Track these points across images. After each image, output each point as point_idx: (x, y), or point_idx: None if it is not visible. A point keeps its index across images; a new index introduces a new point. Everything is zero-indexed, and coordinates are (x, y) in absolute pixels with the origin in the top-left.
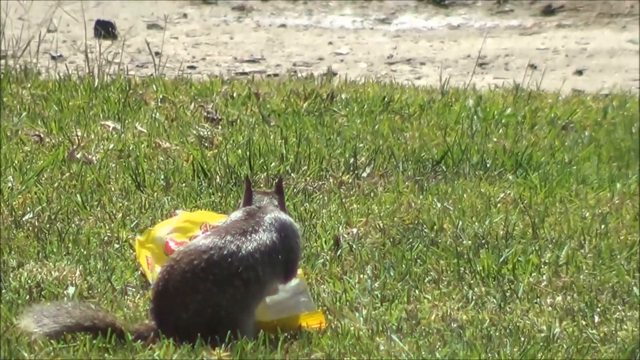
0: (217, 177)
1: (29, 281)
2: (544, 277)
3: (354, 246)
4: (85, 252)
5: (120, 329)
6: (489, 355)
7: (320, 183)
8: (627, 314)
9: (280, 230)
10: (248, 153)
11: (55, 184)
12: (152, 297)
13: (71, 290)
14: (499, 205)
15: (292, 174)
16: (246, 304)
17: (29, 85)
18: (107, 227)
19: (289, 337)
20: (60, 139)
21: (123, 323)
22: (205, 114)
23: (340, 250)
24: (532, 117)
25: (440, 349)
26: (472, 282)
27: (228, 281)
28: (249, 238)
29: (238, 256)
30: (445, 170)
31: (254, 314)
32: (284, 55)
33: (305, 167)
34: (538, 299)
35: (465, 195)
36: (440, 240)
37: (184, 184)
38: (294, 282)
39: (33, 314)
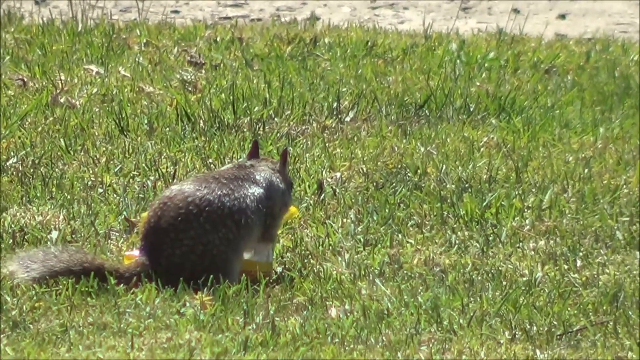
0: (201, 121)
1: (13, 225)
2: (527, 221)
3: (338, 190)
4: (68, 197)
5: (110, 271)
6: (471, 299)
7: (303, 127)
8: (610, 258)
9: (267, 189)
10: (231, 97)
11: (39, 129)
12: (144, 234)
13: (54, 234)
14: (482, 149)
15: (275, 119)
16: (236, 245)
17: (12, 29)
18: (90, 172)
19: (271, 281)
20: (43, 83)
21: (112, 264)
22: (189, 58)
23: (323, 195)
24: (515, 61)
25: (422, 293)
26: (455, 226)
27: (221, 220)
28: (241, 184)
29: (231, 197)
30: (428, 114)
31: (242, 258)
32: None
33: (289, 112)
34: (521, 243)
35: (448, 140)
36: (423, 185)
37: (167, 129)
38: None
39: (19, 259)
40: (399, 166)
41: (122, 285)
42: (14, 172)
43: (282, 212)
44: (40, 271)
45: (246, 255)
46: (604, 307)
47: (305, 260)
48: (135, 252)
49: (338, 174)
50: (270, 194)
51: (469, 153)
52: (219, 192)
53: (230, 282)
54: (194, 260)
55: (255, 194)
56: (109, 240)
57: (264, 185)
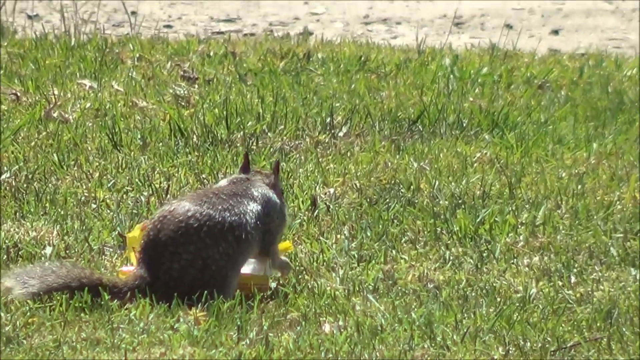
0: (194, 136)
1: (7, 241)
2: (521, 237)
3: (331, 206)
4: (62, 212)
5: (108, 286)
6: (465, 315)
7: (296, 142)
8: (604, 274)
9: (265, 206)
10: (225, 112)
11: (32, 143)
12: (142, 247)
13: (48, 250)
14: (475, 165)
15: (268, 133)
16: (235, 260)
17: (5, 43)
18: (84, 187)
19: (265, 297)
20: (37, 97)
21: (110, 279)
22: (182, 73)
23: (317, 211)
24: (509, 76)
25: (416, 309)
26: (449, 242)
27: (221, 235)
28: (240, 200)
29: (231, 213)
30: (421, 129)
31: (239, 274)
32: (260, 14)
33: (282, 127)
34: (515, 260)
35: (441, 155)
36: (417, 200)
37: (160, 144)
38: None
39: (16, 275)
40: (392, 182)
41: (116, 300)
42: (7, 187)
43: (280, 227)
44: (39, 287)
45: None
46: (598, 324)
47: (300, 276)
48: (130, 268)
49: (331, 190)
50: (268, 210)
51: (462, 169)
52: (219, 207)
53: (227, 297)
54: (193, 275)
55: (254, 210)
56: (103, 256)
57: (261, 201)
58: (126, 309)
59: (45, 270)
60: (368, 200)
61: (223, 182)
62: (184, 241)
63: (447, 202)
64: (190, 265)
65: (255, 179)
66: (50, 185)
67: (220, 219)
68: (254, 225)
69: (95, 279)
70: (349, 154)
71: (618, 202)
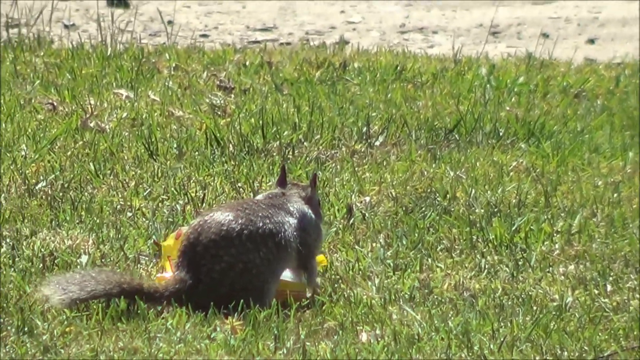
0: (230, 145)
1: (42, 249)
2: (557, 245)
3: (367, 215)
4: (98, 221)
5: (149, 292)
6: (502, 324)
7: (332, 152)
8: None
9: (301, 220)
10: (261, 122)
11: (69, 153)
12: (182, 250)
13: (84, 258)
14: (511, 173)
15: (304, 143)
16: (274, 267)
17: (42, 53)
18: (119, 196)
19: (301, 306)
20: (73, 107)
21: (151, 284)
22: (218, 82)
23: (353, 219)
24: (545, 85)
25: (452, 318)
26: (484, 250)
27: (262, 240)
28: (278, 212)
29: (272, 220)
30: (458, 138)
31: (278, 282)
32: (296, 24)
33: (318, 136)
34: (550, 268)
35: (477, 164)
36: (452, 209)
37: (196, 153)
38: None
39: (55, 282)
40: (428, 190)
41: (157, 306)
42: (44, 196)
43: (317, 242)
44: (78, 294)
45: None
46: (635, 332)
47: (336, 285)
48: (166, 275)
49: (367, 198)
50: (304, 225)
51: (498, 177)
52: (259, 214)
53: (265, 303)
54: (233, 278)
55: (291, 222)
56: (139, 265)
57: (297, 215)
58: (163, 318)
59: (84, 276)
60: (404, 208)
61: (259, 197)
62: (225, 244)
63: (482, 211)
64: (230, 268)
65: (292, 194)
66: (86, 194)
67: (260, 225)
68: (292, 236)
69: (136, 284)
70: (385, 162)
71: None
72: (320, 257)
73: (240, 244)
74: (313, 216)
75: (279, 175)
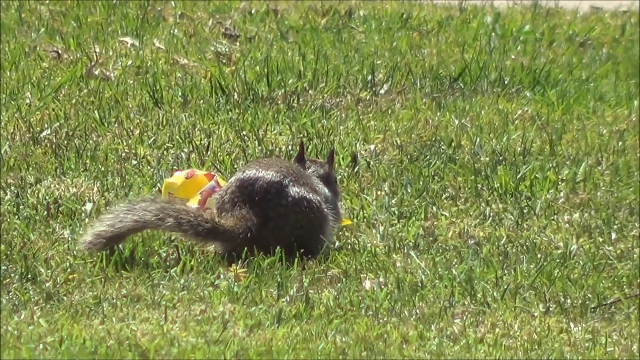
0: (235, 93)
1: (47, 197)
2: (562, 194)
3: (372, 163)
4: (102, 169)
5: (223, 231)
6: (506, 272)
7: (337, 100)
8: None
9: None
10: (266, 70)
11: (73, 101)
12: (238, 186)
13: (89, 206)
14: (516, 122)
15: (309, 91)
16: (326, 213)
17: (47, 1)
18: (124, 144)
19: (305, 253)
20: (78, 55)
21: (222, 222)
22: (224, 30)
23: (357, 167)
24: (550, 34)
25: (456, 266)
26: (489, 198)
27: (312, 188)
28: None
29: (312, 176)
30: (462, 87)
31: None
32: None
33: (323, 84)
34: (555, 216)
35: (482, 112)
36: (457, 157)
37: (201, 101)
38: None
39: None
40: (433, 139)
41: (156, 256)
42: (48, 144)
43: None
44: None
45: None
46: (638, 280)
47: (340, 233)
48: (178, 173)
49: (372, 147)
50: (311, 211)
51: (504, 126)
52: (302, 170)
53: (326, 241)
54: (298, 214)
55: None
56: None
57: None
58: (168, 265)
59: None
60: (409, 156)
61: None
62: (288, 182)
63: (487, 159)
64: (296, 204)
65: (309, 173)
66: (90, 142)
67: (307, 177)
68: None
69: (207, 220)
70: (389, 111)
71: None
72: (346, 220)
73: (299, 186)
74: (319, 201)
75: (298, 152)
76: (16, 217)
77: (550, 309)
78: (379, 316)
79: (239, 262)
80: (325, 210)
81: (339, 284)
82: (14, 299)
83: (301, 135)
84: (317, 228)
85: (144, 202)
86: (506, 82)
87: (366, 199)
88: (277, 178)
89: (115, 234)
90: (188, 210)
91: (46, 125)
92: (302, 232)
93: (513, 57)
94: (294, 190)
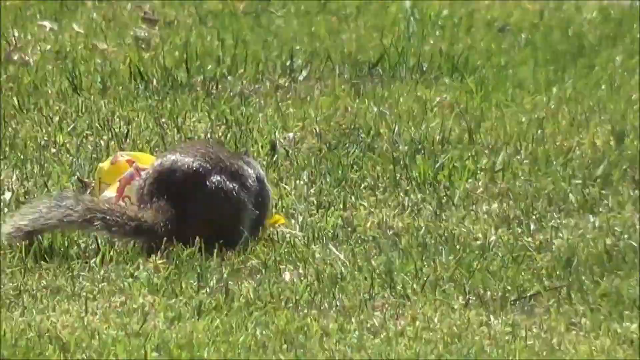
0: (154, 80)
1: None
2: (480, 183)
3: (290, 151)
4: (22, 157)
5: (146, 226)
6: (425, 263)
7: (256, 87)
8: (563, 221)
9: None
10: (185, 55)
11: None
12: (155, 177)
13: (8, 195)
14: (435, 109)
15: (228, 77)
16: (246, 203)
17: None
18: (44, 131)
19: (224, 244)
20: None
21: (144, 215)
22: (143, 14)
23: (276, 156)
24: (469, 19)
25: (376, 257)
26: (408, 188)
27: (235, 178)
28: (239, 158)
29: (238, 164)
30: (381, 73)
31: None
32: None
33: (242, 70)
34: (474, 206)
35: (401, 99)
36: (376, 146)
37: (120, 87)
38: None
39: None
40: (352, 127)
41: (76, 247)
42: None
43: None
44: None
45: None
46: (558, 272)
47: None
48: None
49: (291, 135)
50: (263, 189)
51: (422, 113)
52: (225, 154)
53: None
54: (215, 205)
55: (253, 176)
56: None
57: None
58: (87, 256)
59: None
60: (328, 145)
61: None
62: (205, 172)
63: (406, 148)
64: (212, 194)
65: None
66: (9, 129)
67: (229, 164)
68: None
69: (123, 214)
70: (308, 98)
71: (577, 148)
72: (277, 217)
73: (218, 174)
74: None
75: None
76: None
77: (470, 301)
78: (299, 308)
79: (158, 253)
80: (246, 200)
81: (259, 276)
82: None
83: (220, 122)
84: (235, 219)
85: (68, 199)
86: (425, 69)
87: (285, 188)
88: (194, 167)
89: (36, 230)
90: (113, 210)
91: None
92: (220, 224)
93: (432, 42)
94: (212, 180)
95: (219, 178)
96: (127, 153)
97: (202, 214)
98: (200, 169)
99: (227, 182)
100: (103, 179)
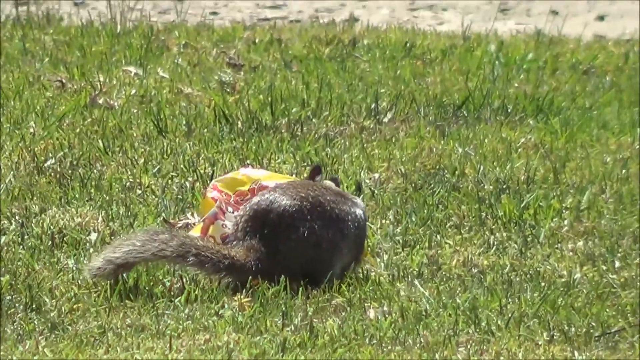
0: (239, 122)
1: (51, 227)
2: (565, 222)
3: (376, 191)
4: (107, 198)
5: (234, 263)
6: (510, 300)
7: (341, 128)
8: None
9: (361, 216)
10: (270, 98)
11: (77, 130)
12: (251, 215)
13: (94, 236)
14: (520, 150)
15: (313, 120)
16: (338, 254)
17: (51, 31)
18: (129, 173)
19: (310, 283)
20: (82, 84)
21: (232, 253)
22: (228, 59)
23: (362, 196)
24: (554, 62)
25: (460, 294)
26: (493, 227)
27: (331, 223)
28: (344, 200)
29: (339, 207)
30: (466, 115)
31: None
32: (306, 1)
33: (327, 113)
34: (559, 244)
35: (486, 140)
36: (461, 185)
37: (205, 130)
38: None
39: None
40: (437, 167)
41: (161, 285)
42: (53, 173)
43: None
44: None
45: None
46: None
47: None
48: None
49: (376, 175)
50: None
51: (507, 154)
52: (327, 197)
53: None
54: (306, 249)
55: (357, 214)
56: None
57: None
58: (172, 294)
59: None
60: (413, 185)
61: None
62: (300, 216)
63: (491, 187)
64: (305, 239)
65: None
66: (95, 171)
67: (329, 209)
68: (354, 227)
69: (218, 251)
70: (393, 139)
71: None
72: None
73: (312, 220)
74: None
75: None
76: (21, 247)
77: (555, 337)
78: (383, 345)
79: (244, 291)
80: (342, 245)
81: (344, 313)
82: (19, 329)
83: (305, 164)
84: (327, 263)
85: (163, 234)
86: (509, 110)
87: (370, 227)
88: (289, 210)
89: (128, 263)
90: (207, 246)
91: (50, 155)
92: (310, 267)
93: (516, 85)
94: (306, 226)
95: (314, 224)
96: (250, 171)
97: (293, 257)
98: (296, 214)
99: (322, 229)
100: (200, 211)
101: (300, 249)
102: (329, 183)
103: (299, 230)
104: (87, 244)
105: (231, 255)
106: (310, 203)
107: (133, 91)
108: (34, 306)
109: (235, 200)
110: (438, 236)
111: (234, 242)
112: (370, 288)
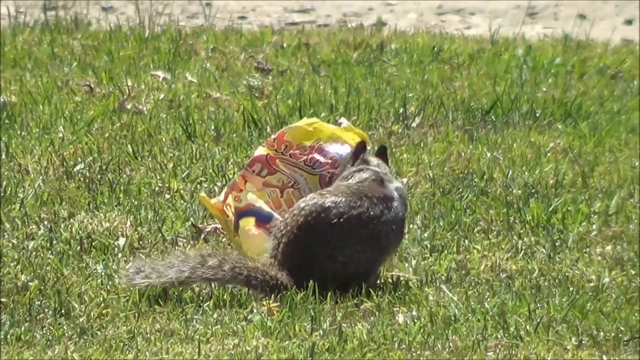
0: (268, 127)
1: (80, 232)
2: (594, 226)
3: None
4: (136, 203)
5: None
6: (538, 305)
7: (369, 133)
8: None
9: (403, 203)
10: (298, 103)
11: (106, 134)
12: (291, 239)
13: (122, 241)
14: (548, 154)
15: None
16: (377, 265)
17: (79, 35)
18: (158, 178)
19: (338, 287)
20: (110, 89)
21: (274, 275)
22: (256, 64)
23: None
24: (582, 66)
25: (489, 299)
26: (521, 231)
27: (371, 242)
28: (387, 205)
29: (381, 221)
30: (494, 119)
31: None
32: (334, 5)
33: (355, 117)
34: (587, 249)
35: (514, 145)
36: (490, 190)
37: (234, 134)
38: None
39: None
40: (465, 171)
41: (190, 290)
42: (81, 178)
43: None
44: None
45: None
46: None
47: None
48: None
49: (405, 180)
50: (404, 205)
51: (536, 158)
52: (371, 213)
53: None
54: (340, 274)
55: (400, 215)
56: (176, 247)
57: (401, 200)
58: (201, 300)
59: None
60: (441, 189)
61: (363, 176)
62: (340, 244)
63: (520, 192)
64: (343, 267)
65: (388, 173)
66: (124, 176)
67: (371, 227)
68: (397, 231)
69: (274, 275)
70: (422, 144)
71: None
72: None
73: (352, 246)
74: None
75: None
76: (49, 252)
77: (583, 342)
78: (412, 350)
79: (272, 296)
80: (380, 257)
81: (372, 318)
82: (48, 334)
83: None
84: (362, 277)
85: (211, 258)
86: (538, 115)
87: None
88: (330, 237)
89: (173, 283)
90: (257, 268)
91: (79, 160)
92: (346, 281)
93: (544, 89)
94: (346, 253)
95: (354, 249)
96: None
97: (331, 279)
98: (336, 242)
99: (361, 253)
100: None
101: (339, 273)
102: (374, 162)
103: (338, 261)
104: (116, 249)
105: (277, 277)
106: (352, 225)
107: (161, 96)
108: (63, 311)
109: (294, 153)
110: (466, 241)
111: (275, 263)
112: (399, 293)
